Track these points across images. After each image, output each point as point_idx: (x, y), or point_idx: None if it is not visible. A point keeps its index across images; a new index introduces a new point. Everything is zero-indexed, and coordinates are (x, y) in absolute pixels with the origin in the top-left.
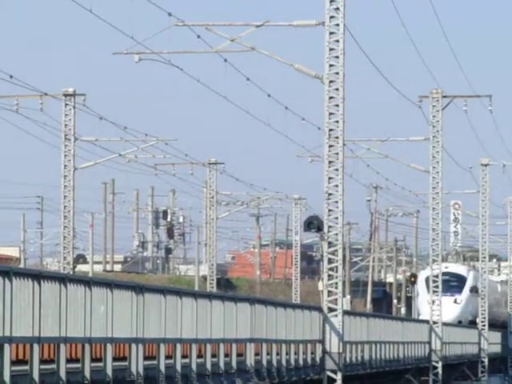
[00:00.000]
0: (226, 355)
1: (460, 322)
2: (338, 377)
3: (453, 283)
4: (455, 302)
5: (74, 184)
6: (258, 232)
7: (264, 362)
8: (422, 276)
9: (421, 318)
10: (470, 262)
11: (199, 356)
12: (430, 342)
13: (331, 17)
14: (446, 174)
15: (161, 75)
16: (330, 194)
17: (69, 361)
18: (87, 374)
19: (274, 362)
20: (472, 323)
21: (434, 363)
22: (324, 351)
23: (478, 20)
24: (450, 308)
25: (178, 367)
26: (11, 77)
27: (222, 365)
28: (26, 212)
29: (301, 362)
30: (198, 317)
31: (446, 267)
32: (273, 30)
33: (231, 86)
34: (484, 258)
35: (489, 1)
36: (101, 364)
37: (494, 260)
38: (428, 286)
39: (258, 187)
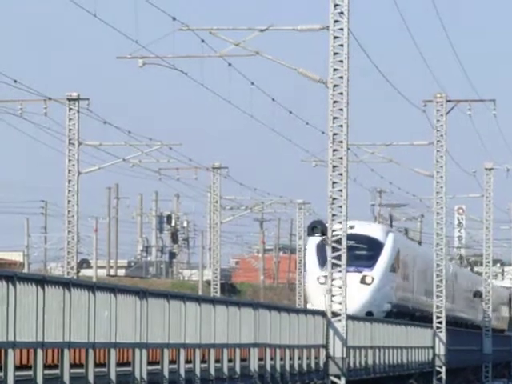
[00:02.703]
0: (230, 360)
1: (370, 313)
2: (342, 382)
3: (360, 252)
4: (363, 281)
5: (78, 188)
6: (262, 237)
7: (268, 367)
8: (311, 242)
9: (309, 306)
10: (474, 266)
11: (203, 361)
12: (433, 347)
13: (335, 21)
14: (449, 179)
15: (165, 80)
16: (333, 199)
17: (72, 366)
18: (91, 379)
19: (278, 367)
20: (391, 316)
21: (437, 368)
22: (328, 356)
23: (482, 24)
24: (354, 291)
25: (182, 372)
26: (15, 81)
27: (225, 370)
28: (29, 217)
29: (304, 366)
30: (201, 322)
31: (351, 227)
32: (277, 34)
33: (235, 90)
34: (488, 262)
35: (493, 5)
36: (104, 369)
37: (498, 265)
38: (320, 257)
39: (261, 192)
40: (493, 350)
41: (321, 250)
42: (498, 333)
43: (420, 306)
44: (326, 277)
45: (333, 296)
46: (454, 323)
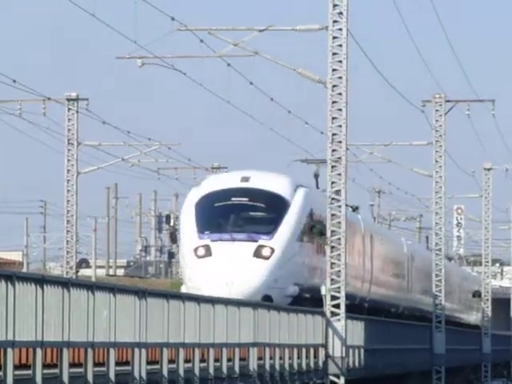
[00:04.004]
0: (229, 359)
1: (268, 298)
2: (341, 381)
3: (256, 213)
4: (258, 253)
5: (77, 188)
6: None
7: (267, 367)
8: (190, 200)
9: (184, 290)
10: (474, 266)
11: (202, 360)
12: (431, 346)
13: (334, 21)
14: (448, 179)
15: (164, 80)
16: (332, 199)
17: (72, 365)
18: (90, 378)
19: (277, 367)
20: (300, 302)
21: (436, 367)
22: (327, 355)
23: (481, 24)
24: (246, 268)
25: (181, 372)
26: (14, 81)
27: (224, 369)
28: (29, 216)
29: (304, 366)
30: (200, 321)
31: (246, 179)
32: (276, 34)
33: (234, 90)
34: (487, 262)
35: (492, 5)
36: (104, 368)
37: (497, 264)
38: (199, 221)
39: None
40: (492, 350)
41: (202, 210)
42: (474, 329)
43: (351, 291)
44: (206, 247)
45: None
46: (411, 316)
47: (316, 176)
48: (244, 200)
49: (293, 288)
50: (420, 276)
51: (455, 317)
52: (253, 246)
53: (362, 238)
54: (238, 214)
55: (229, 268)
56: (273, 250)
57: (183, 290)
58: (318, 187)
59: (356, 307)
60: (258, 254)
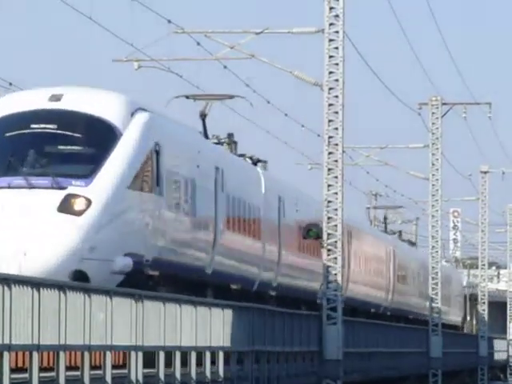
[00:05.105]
0: (226, 363)
1: (81, 275)
2: None
3: (66, 147)
4: (67, 207)
5: None
6: None
7: (263, 370)
8: None
9: None
10: (470, 269)
11: (199, 364)
12: (428, 350)
13: (331, 24)
14: (445, 182)
15: (160, 82)
16: (329, 202)
17: (68, 368)
18: (86, 381)
19: (274, 370)
20: (139, 283)
21: (433, 371)
22: (323, 359)
23: (478, 27)
24: (44, 228)
25: (178, 375)
26: (11, 84)
27: (221, 372)
28: None
29: (300, 369)
30: (197, 324)
31: (57, 97)
32: (272, 37)
33: (230, 92)
34: (483, 265)
35: (489, 8)
36: (100, 372)
37: (494, 268)
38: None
39: None
40: (488, 353)
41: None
42: (452, 329)
43: (239, 271)
44: None
45: None
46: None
47: (203, 116)
48: (50, 128)
49: (123, 260)
50: (363, 262)
51: (424, 314)
52: (59, 195)
53: (267, 203)
54: (40, 149)
55: (20, 229)
56: (89, 202)
57: None
58: (205, 132)
59: (260, 297)
60: (65, 207)
